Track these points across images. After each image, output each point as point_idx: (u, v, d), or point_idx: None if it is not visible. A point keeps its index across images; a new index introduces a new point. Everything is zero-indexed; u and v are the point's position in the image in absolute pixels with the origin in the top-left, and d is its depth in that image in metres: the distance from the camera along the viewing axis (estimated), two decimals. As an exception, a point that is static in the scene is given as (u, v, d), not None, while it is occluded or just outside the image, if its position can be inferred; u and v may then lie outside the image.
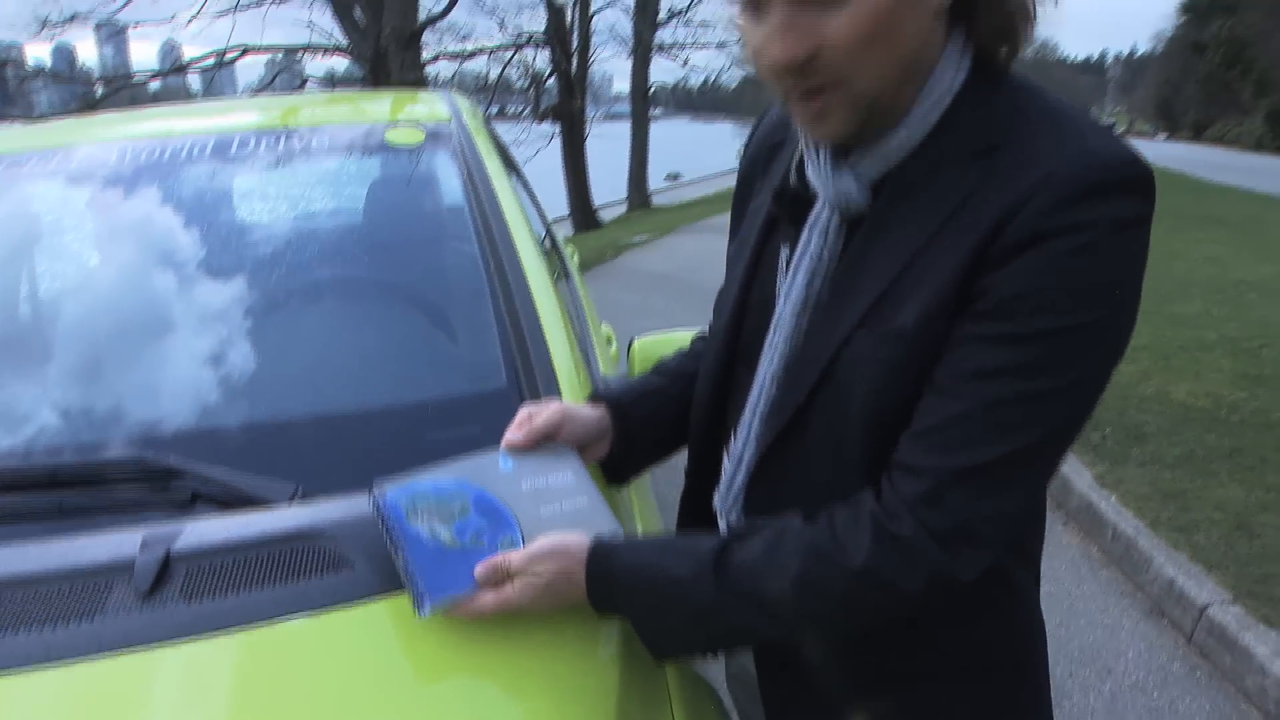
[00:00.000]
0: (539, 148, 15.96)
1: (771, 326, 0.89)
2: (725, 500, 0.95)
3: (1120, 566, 3.19)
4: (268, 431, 1.14)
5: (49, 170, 1.60)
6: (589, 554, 0.86)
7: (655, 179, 22.41)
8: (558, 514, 0.91)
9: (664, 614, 0.85)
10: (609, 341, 2.54)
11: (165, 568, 0.89)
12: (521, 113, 16.88)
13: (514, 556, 0.86)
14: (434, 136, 1.69)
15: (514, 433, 0.97)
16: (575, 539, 0.87)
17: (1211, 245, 8.94)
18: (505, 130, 15.60)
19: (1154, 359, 4.98)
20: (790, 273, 0.87)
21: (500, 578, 0.85)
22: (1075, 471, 3.66)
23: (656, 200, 20.71)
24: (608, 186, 19.45)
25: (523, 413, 0.99)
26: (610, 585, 0.85)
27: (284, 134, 1.66)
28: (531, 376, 1.18)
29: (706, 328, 1.11)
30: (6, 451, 1.12)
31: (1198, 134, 45.36)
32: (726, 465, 0.95)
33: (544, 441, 0.98)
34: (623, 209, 19.70)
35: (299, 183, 1.65)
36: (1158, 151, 31.00)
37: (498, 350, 1.24)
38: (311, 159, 1.63)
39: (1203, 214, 11.44)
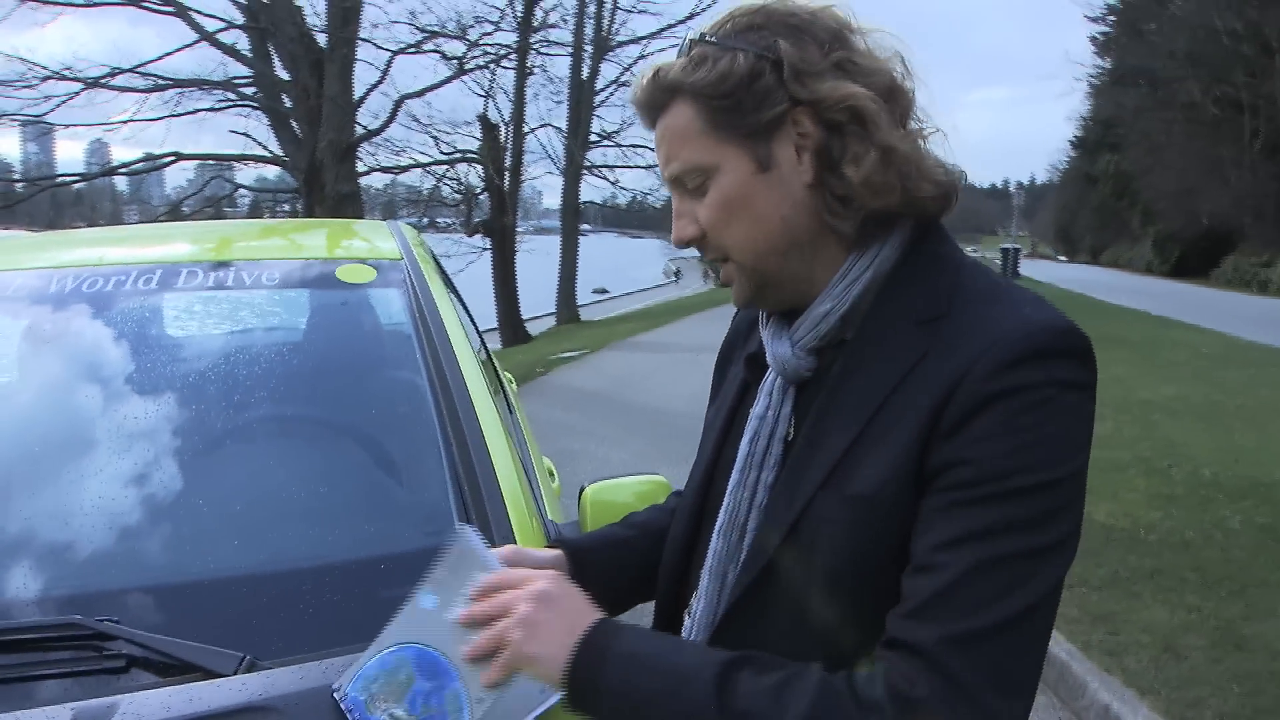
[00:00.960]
0: (470, 261, 16.11)
1: (728, 485, 0.90)
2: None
3: (1055, 691, 3.20)
4: (212, 590, 1.09)
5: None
6: (594, 623, 0.81)
7: (584, 293, 22.72)
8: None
9: (650, 708, 0.77)
10: (551, 475, 2.51)
11: (98, 752, 0.82)
12: (453, 225, 17.05)
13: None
14: (385, 272, 1.69)
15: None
16: (587, 604, 0.83)
17: (1116, 365, 9.40)
18: (437, 242, 15.77)
19: (1072, 479, 5.13)
20: (743, 434, 0.91)
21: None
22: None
23: (585, 314, 20.94)
24: (537, 299, 19.61)
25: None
26: (602, 660, 0.78)
27: (232, 268, 1.64)
28: (486, 526, 1.16)
29: (684, 485, 1.12)
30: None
31: (1095, 257, 48.42)
32: (686, 624, 0.93)
33: (458, 555, 0.92)
34: (551, 322, 19.84)
35: (245, 319, 1.62)
36: (1060, 274, 32.85)
37: (450, 501, 1.22)
38: (259, 294, 1.61)
39: (1105, 334, 12.05)
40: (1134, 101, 35.76)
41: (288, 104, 11.78)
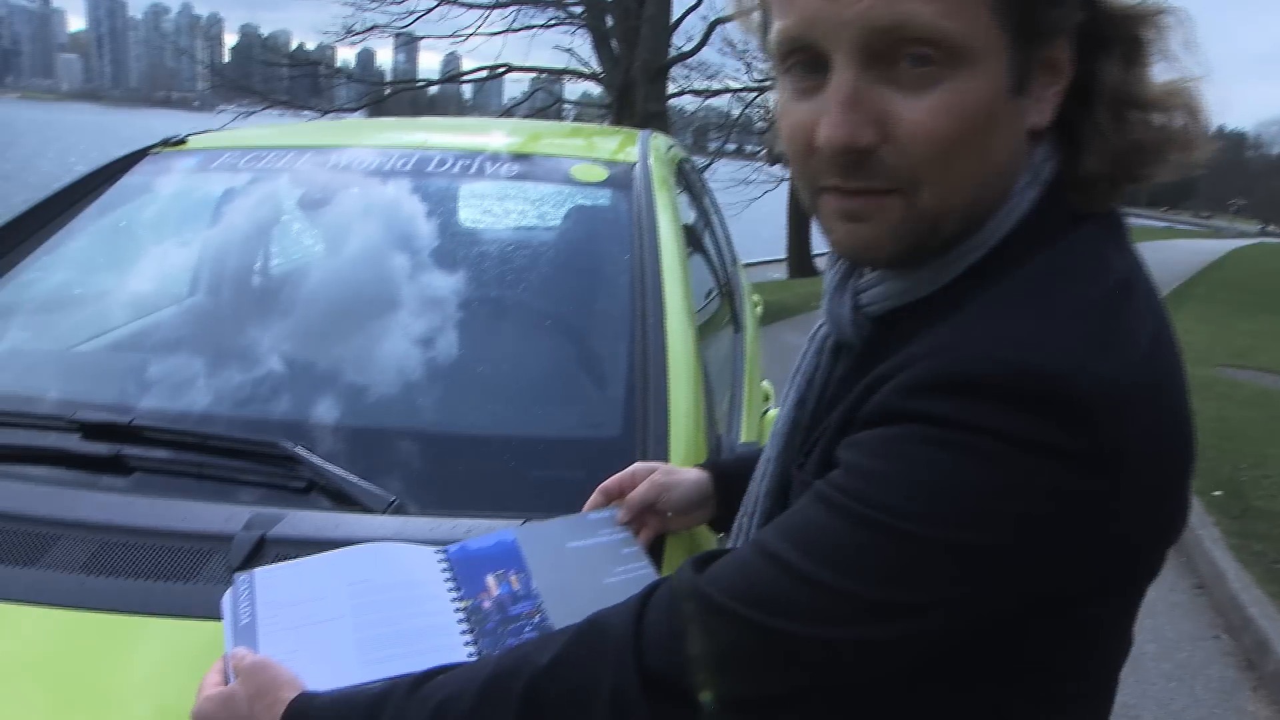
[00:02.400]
0: (767, 189, 16.03)
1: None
2: None
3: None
4: (388, 438, 1.21)
5: (295, 166, 1.77)
6: (296, 694, 0.73)
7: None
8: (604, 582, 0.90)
9: None
10: (766, 399, 2.49)
11: (258, 549, 0.96)
12: (757, 152, 17.00)
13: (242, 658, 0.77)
14: (615, 176, 1.73)
15: (606, 495, 0.98)
16: (289, 676, 0.75)
17: None
18: (739, 168, 15.83)
19: None
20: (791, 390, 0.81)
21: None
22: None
23: (878, 257, 20.19)
24: (830, 236, 19.20)
25: (627, 472, 0.99)
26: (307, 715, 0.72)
27: (478, 157, 1.76)
28: (645, 433, 1.18)
29: None
30: (170, 412, 1.25)
31: None
32: None
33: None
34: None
35: (477, 205, 1.74)
36: None
37: (621, 399, 1.25)
38: (497, 185, 1.72)
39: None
40: None
41: (609, 23, 12.24)
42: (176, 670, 0.85)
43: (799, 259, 17.12)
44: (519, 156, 1.81)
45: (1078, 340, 0.57)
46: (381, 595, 0.86)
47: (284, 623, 0.82)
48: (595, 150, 1.96)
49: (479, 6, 12.72)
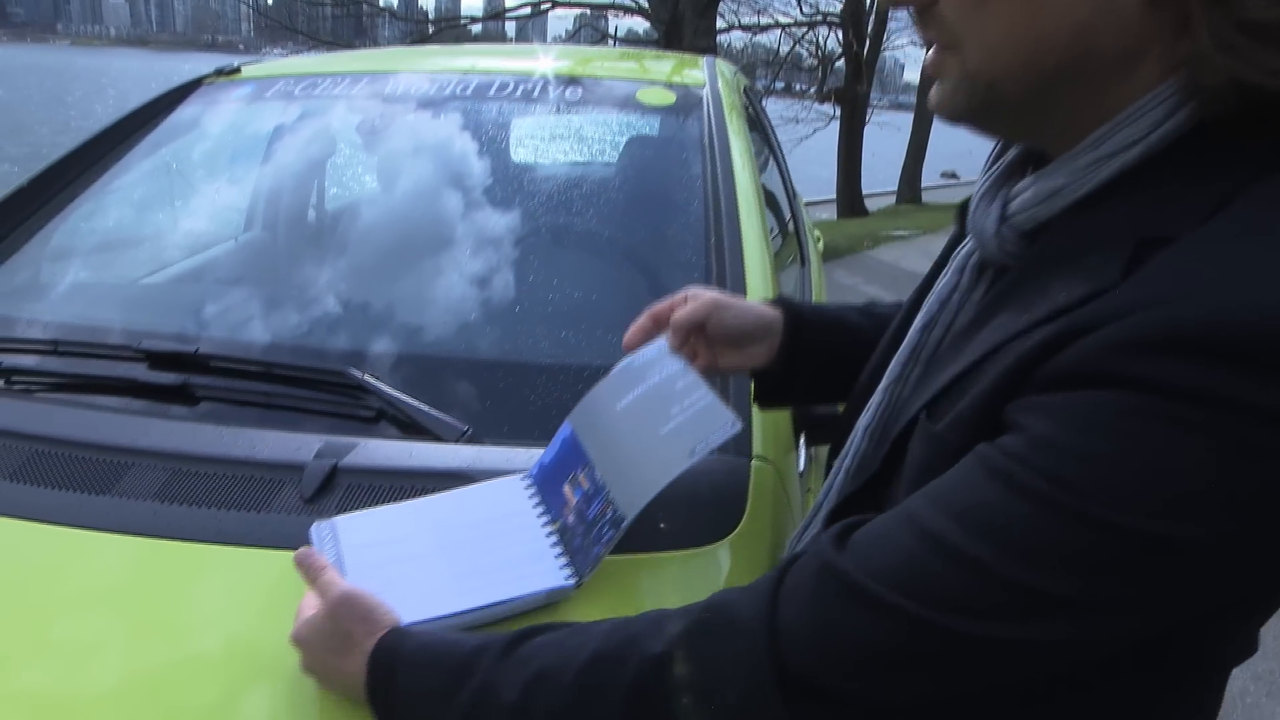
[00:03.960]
0: (816, 128, 15.66)
1: (888, 370, 0.73)
2: (794, 546, 0.82)
3: None
4: (457, 369, 1.17)
5: (352, 91, 1.72)
6: (388, 628, 0.70)
7: (930, 175, 21.35)
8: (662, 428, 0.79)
9: (439, 701, 0.64)
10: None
11: (331, 478, 0.93)
12: (806, 91, 16.61)
13: (329, 580, 0.74)
14: (684, 100, 1.66)
15: (655, 320, 0.86)
16: (386, 608, 0.72)
17: None
18: (786, 107, 15.46)
19: None
20: (920, 311, 0.72)
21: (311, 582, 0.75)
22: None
23: (928, 198, 19.72)
24: (880, 177, 18.74)
25: (679, 294, 0.88)
26: (394, 662, 0.67)
27: (542, 81, 1.69)
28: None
29: None
30: (236, 341, 1.23)
31: None
32: (808, 512, 0.82)
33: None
34: (890, 201, 18.95)
35: (544, 130, 1.68)
36: None
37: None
38: (564, 108, 1.66)
39: None
40: None
41: (658, -47, 11.91)
42: (251, 599, 0.84)
43: (849, 199, 16.77)
44: (583, 80, 1.74)
45: None
46: (470, 533, 0.83)
47: (371, 561, 0.79)
48: (659, 74, 1.88)
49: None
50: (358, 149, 1.76)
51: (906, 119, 19.11)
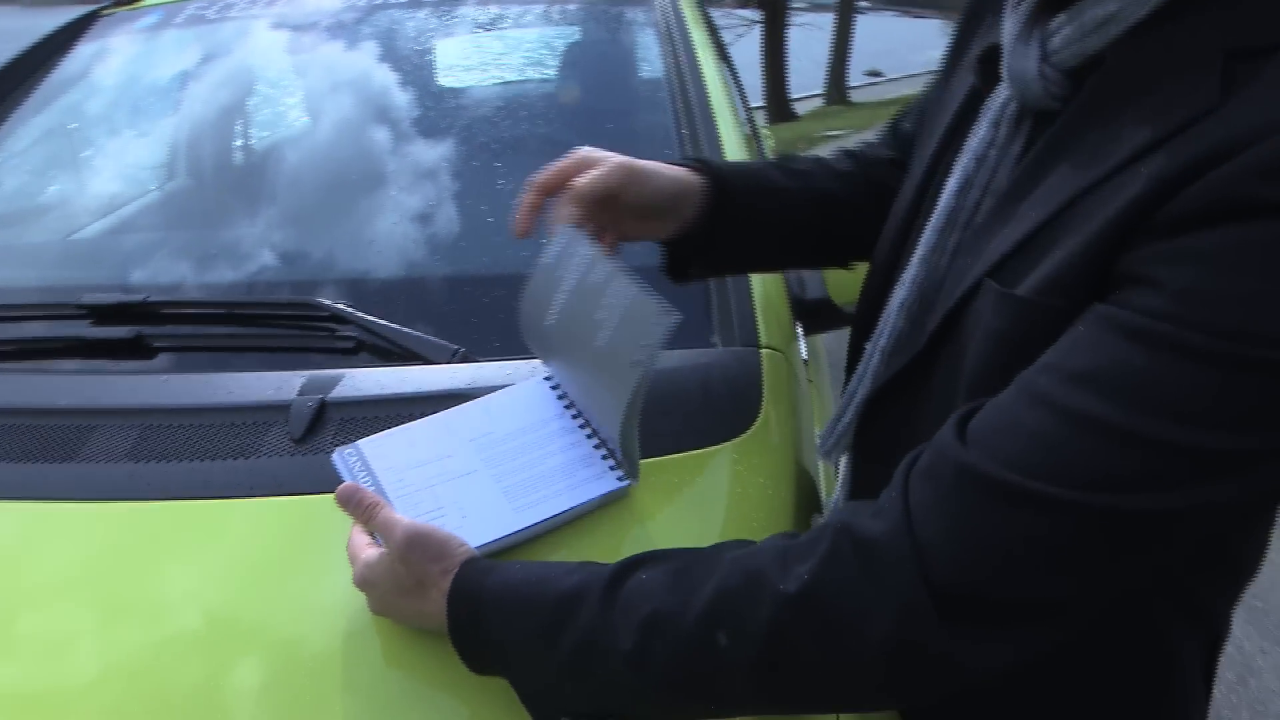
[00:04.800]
0: (739, 34, 15.38)
1: (921, 239, 0.68)
2: (828, 440, 0.78)
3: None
4: (436, 288, 1.10)
5: (261, 16, 1.59)
6: (462, 562, 0.64)
7: (856, 75, 21.23)
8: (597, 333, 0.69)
9: (538, 646, 0.58)
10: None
11: (320, 415, 0.86)
12: (723, -2, 16.28)
13: (387, 518, 0.66)
14: (641, 4, 1.56)
15: (542, 192, 0.75)
16: (456, 541, 0.65)
17: None
18: (704, 15, 15.15)
19: None
20: (952, 172, 0.66)
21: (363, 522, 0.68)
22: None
23: (855, 97, 19.65)
24: (805, 80, 18.56)
25: (569, 159, 0.76)
26: (478, 603, 0.61)
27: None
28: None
29: (858, 141, 0.92)
30: (191, 285, 1.13)
31: None
32: (839, 401, 0.78)
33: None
34: (819, 103, 18.83)
35: (497, 44, 1.57)
36: None
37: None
38: (514, 20, 1.55)
39: None
40: None
41: None
42: (258, 550, 0.77)
43: (777, 104, 16.61)
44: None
45: None
46: (510, 444, 0.76)
47: (414, 484, 0.72)
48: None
49: None
50: (286, 74, 1.63)
51: (827, 19, 18.88)
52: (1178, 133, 0.49)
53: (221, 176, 1.58)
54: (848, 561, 0.53)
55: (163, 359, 1.00)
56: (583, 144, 1.39)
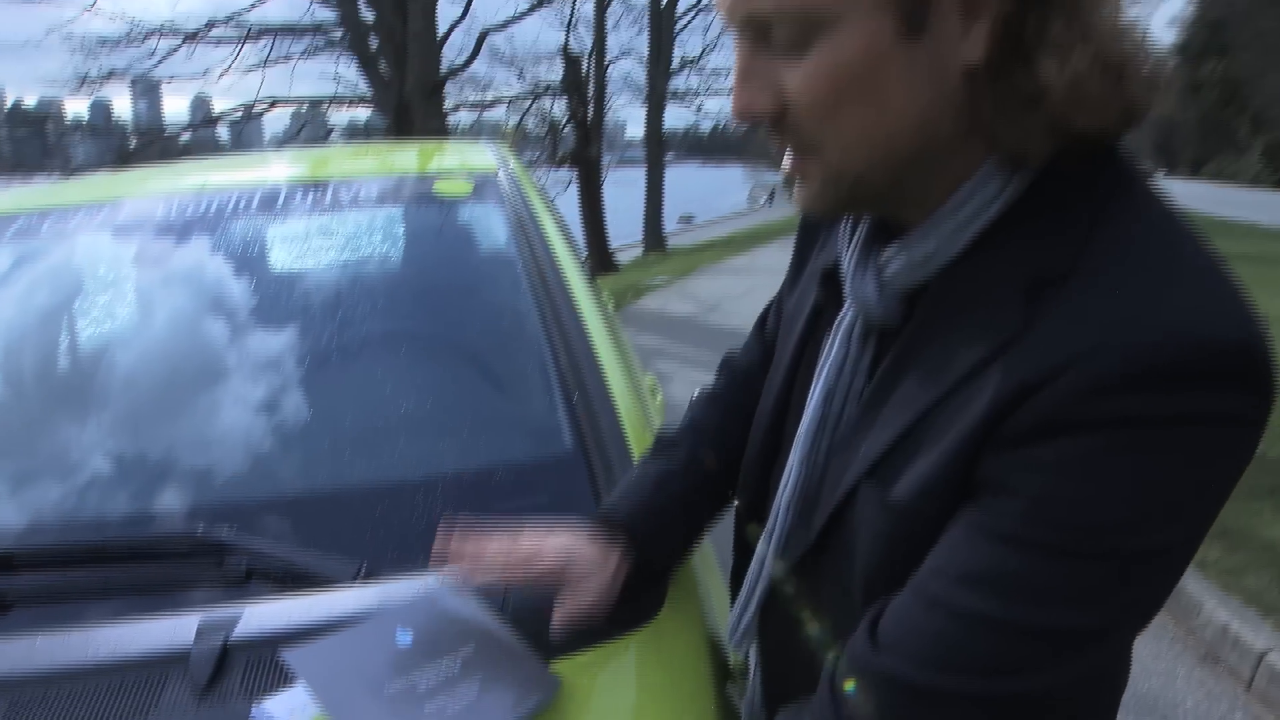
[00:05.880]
0: (556, 193, 16.07)
1: (796, 442, 0.74)
2: (735, 632, 0.83)
3: (1169, 611, 3.06)
4: (325, 503, 1.07)
5: (96, 224, 1.55)
6: None
7: (670, 222, 22.52)
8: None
9: None
10: (653, 393, 2.46)
11: (224, 658, 0.81)
12: (539, 159, 17.04)
13: None
14: (482, 186, 1.64)
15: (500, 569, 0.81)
16: None
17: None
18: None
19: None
20: (814, 382, 0.73)
21: None
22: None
23: (672, 242, 20.75)
24: (623, 230, 19.51)
25: (527, 543, 0.82)
26: None
27: (329, 186, 1.61)
28: (599, 438, 1.11)
29: (731, 352, 1.00)
30: (45, 526, 1.05)
31: (1195, 171, 45.25)
32: (740, 595, 0.83)
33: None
34: (638, 251, 19.73)
35: (346, 237, 1.59)
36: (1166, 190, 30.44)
37: (561, 412, 1.17)
38: (358, 212, 1.58)
39: (1220, 251, 11.26)
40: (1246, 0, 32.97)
41: (374, 45, 11.84)
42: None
43: (599, 257, 17.27)
44: (371, 179, 1.67)
45: (1229, 301, 0.54)
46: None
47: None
48: (447, 163, 1.85)
49: (230, 40, 11.94)
50: (111, 287, 1.56)
51: (637, 173, 20.09)
52: (998, 355, 0.57)
53: (69, 400, 1.50)
54: None
55: (22, 615, 0.92)
56: (444, 333, 1.41)
